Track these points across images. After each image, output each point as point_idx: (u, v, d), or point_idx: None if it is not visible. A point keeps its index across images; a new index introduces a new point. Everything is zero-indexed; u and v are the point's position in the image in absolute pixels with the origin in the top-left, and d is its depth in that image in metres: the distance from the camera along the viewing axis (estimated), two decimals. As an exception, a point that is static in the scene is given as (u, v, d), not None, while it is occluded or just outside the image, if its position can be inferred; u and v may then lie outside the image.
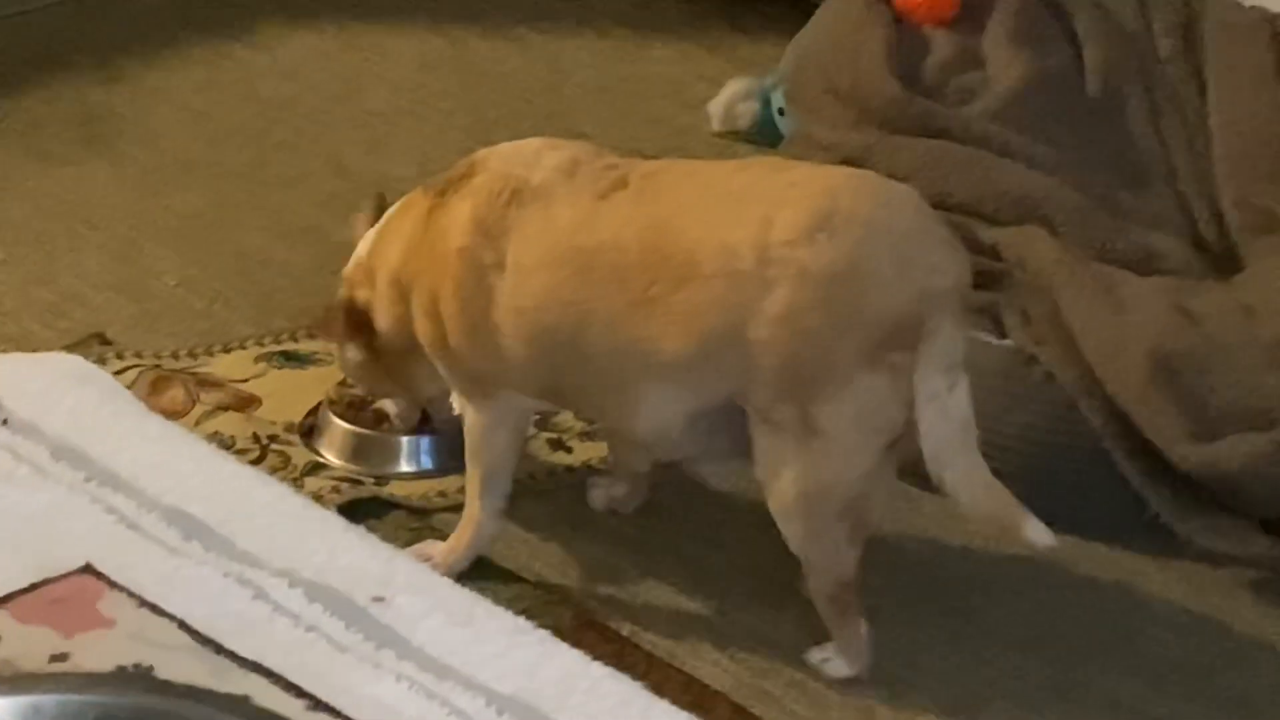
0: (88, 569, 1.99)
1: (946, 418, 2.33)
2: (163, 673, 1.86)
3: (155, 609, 1.91)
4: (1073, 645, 2.59)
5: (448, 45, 4.02)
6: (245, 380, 2.97)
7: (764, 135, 3.62)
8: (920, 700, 2.47)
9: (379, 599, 1.93)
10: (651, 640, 2.53)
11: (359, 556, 2.00)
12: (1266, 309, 2.76)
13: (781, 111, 3.55)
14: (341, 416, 2.84)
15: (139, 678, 1.86)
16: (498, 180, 2.48)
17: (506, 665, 1.84)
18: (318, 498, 2.66)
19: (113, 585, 1.96)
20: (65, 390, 2.23)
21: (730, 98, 3.71)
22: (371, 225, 2.65)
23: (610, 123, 3.72)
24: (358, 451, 2.83)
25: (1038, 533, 2.38)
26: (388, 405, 2.80)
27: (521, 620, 1.95)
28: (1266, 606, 2.67)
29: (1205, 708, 2.51)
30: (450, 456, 2.76)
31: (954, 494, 2.38)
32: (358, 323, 2.60)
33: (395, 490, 2.77)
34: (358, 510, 2.68)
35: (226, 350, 3.04)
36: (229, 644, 1.87)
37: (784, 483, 2.38)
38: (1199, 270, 3.00)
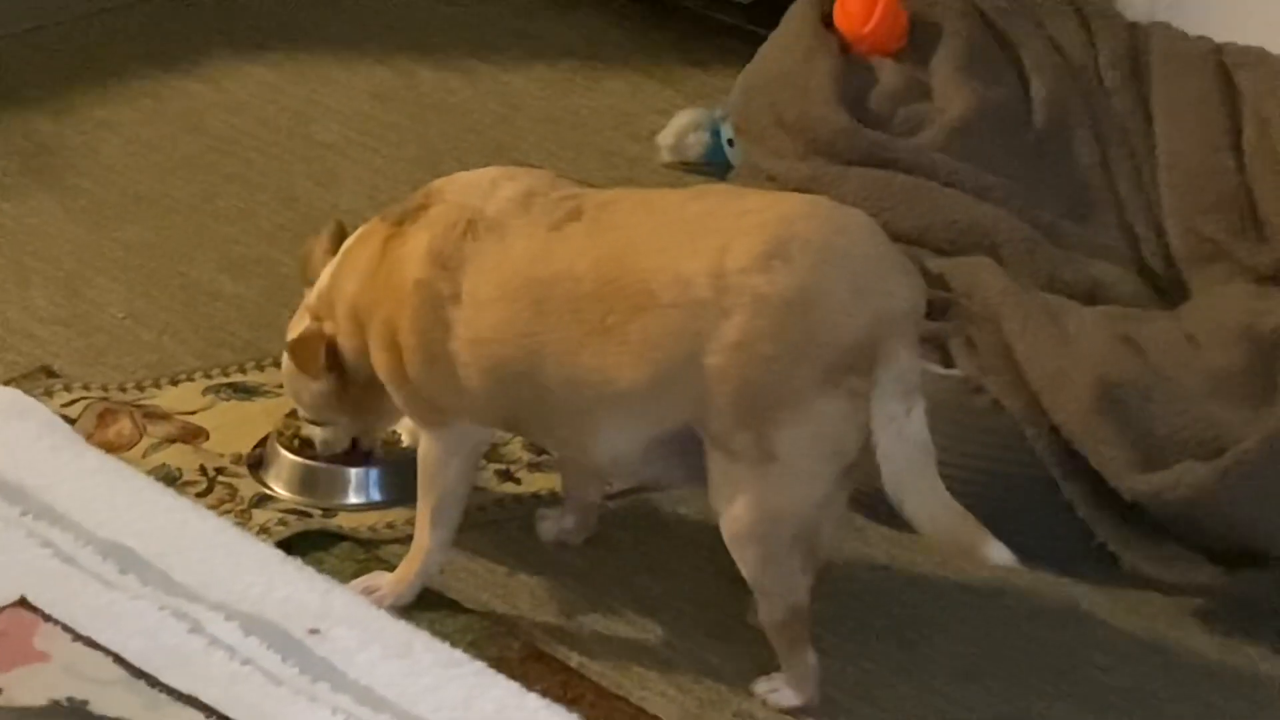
0: (22, 603, 1.98)
1: (904, 442, 2.33)
2: (97, 707, 1.86)
3: (90, 643, 1.91)
4: (1020, 674, 2.59)
5: (397, 77, 4.01)
6: (193, 412, 2.96)
7: (713, 166, 3.62)
8: (867, 730, 2.47)
9: (315, 631, 1.92)
10: (599, 671, 2.52)
11: (296, 589, 2.00)
12: (1210, 338, 2.76)
13: (731, 143, 3.55)
14: (289, 448, 2.83)
15: (73, 712, 1.85)
16: (453, 211, 2.47)
17: (442, 697, 1.84)
18: (265, 530, 2.65)
19: (47, 619, 1.95)
20: (1, 424, 2.22)
21: (680, 129, 3.71)
22: (329, 254, 2.64)
23: (560, 154, 3.71)
24: (306, 483, 2.81)
25: (998, 552, 2.37)
26: (314, 432, 2.78)
27: (458, 652, 1.94)
28: (1213, 635, 2.67)
29: (1152, 736, 2.51)
30: (398, 489, 2.75)
31: (913, 517, 2.37)
32: (334, 355, 2.59)
33: (343, 522, 2.76)
34: (305, 542, 2.67)
35: (174, 382, 3.03)
36: (164, 677, 1.86)
37: (739, 509, 2.38)
38: (1145, 300, 3.01)
